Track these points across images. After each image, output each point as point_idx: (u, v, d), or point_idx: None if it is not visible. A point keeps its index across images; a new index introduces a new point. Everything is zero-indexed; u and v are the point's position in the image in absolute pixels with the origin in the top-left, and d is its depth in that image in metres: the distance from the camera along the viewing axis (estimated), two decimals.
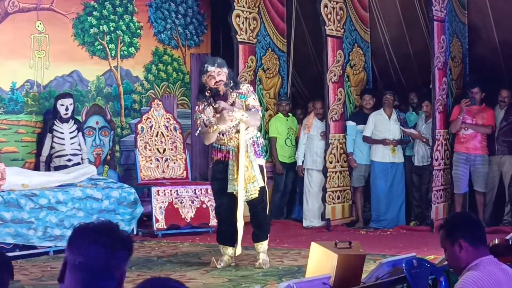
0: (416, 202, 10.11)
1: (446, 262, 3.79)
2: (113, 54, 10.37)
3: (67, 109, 9.33)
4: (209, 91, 6.97)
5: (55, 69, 9.76)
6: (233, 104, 6.94)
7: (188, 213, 9.46)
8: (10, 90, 9.39)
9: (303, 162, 10.34)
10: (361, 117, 10.17)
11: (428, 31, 9.83)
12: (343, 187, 10.16)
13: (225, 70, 6.95)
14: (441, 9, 9.53)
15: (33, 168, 9.25)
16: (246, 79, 10.04)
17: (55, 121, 9.32)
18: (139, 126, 9.92)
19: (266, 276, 6.62)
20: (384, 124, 9.99)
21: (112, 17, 10.36)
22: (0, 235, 7.60)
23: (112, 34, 10.36)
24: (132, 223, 8.80)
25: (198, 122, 7.00)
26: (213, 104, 6.92)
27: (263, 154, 7.23)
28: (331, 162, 9.96)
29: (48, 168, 9.25)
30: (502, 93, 9.59)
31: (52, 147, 9.30)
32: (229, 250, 7.12)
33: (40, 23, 9.63)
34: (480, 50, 10.19)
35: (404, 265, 4.13)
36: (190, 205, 9.49)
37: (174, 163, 10.02)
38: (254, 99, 7.07)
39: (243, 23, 10.28)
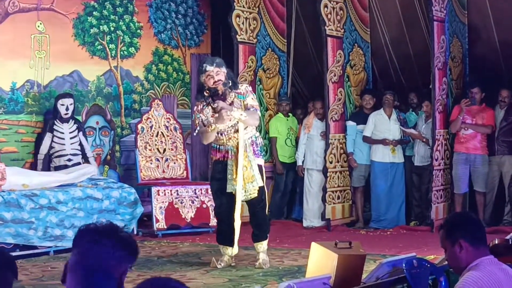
0: (416, 202, 10.10)
1: (446, 262, 3.79)
2: (113, 54, 10.37)
3: (67, 109, 9.33)
4: (207, 91, 6.96)
5: (55, 69, 9.76)
6: (231, 103, 6.93)
7: (188, 213, 9.47)
8: (10, 90, 9.39)
9: (303, 162, 10.34)
10: (361, 117, 10.17)
11: (428, 31, 9.83)
12: (343, 187, 10.16)
13: (223, 69, 6.95)
14: (441, 9, 9.53)
15: (30, 167, 9.26)
16: (246, 79, 10.05)
17: (55, 121, 9.32)
18: (139, 126, 9.92)
19: (266, 276, 6.62)
20: (384, 124, 9.99)
21: (112, 17, 10.36)
22: (1, 235, 7.60)
23: (112, 34, 10.36)
24: (132, 223, 8.81)
25: (197, 122, 7.00)
26: (211, 104, 6.91)
27: (262, 154, 7.22)
28: (331, 162, 9.95)
29: (47, 167, 9.25)
30: (502, 93, 9.59)
31: (52, 147, 9.30)
32: (229, 250, 7.11)
33: (41, 23, 9.63)
34: (480, 50, 10.19)
35: (404, 265, 4.12)
36: (190, 205, 9.49)
37: (174, 163, 10.02)
38: (252, 99, 7.06)
39: (243, 23, 10.28)
